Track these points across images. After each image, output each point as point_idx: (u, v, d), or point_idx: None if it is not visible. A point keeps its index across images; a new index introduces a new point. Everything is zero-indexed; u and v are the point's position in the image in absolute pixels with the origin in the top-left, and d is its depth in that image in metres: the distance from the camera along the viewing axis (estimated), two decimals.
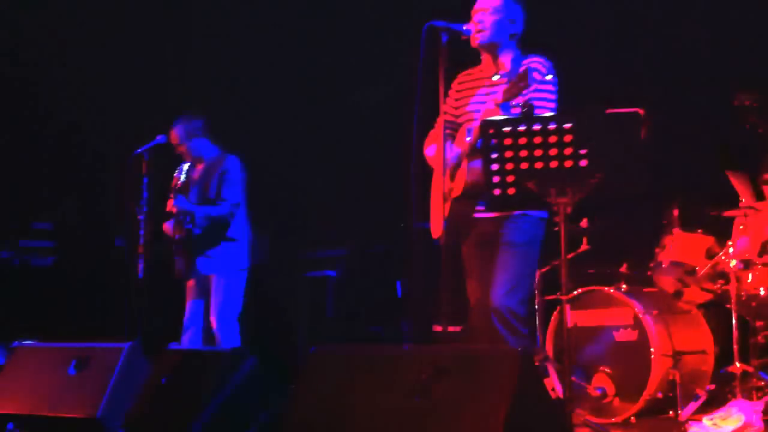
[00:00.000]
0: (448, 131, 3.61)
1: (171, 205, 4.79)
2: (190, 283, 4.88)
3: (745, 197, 4.34)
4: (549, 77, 3.46)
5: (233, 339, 4.76)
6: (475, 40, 3.60)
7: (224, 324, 4.75)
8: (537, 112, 3.28)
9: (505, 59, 3.61)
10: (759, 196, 4.38)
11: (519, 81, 3.25)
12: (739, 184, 4.37)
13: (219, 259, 4.81)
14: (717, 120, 4.95)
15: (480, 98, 3.63)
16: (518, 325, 3.44)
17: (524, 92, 3.30)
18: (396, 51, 5.43)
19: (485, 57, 3.68)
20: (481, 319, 3.57)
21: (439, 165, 3.53)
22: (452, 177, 3.59)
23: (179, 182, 4.87)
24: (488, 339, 3.51)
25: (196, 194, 4.90)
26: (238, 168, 4.90)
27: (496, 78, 3.59)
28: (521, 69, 3.37)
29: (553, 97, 3.49)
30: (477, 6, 3.64)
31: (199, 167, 4.98)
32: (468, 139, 3.50)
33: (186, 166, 4.93)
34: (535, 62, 3.52)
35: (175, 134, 4.91)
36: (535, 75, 3.37)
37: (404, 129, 3.59)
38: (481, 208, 3.56)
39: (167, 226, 4.90)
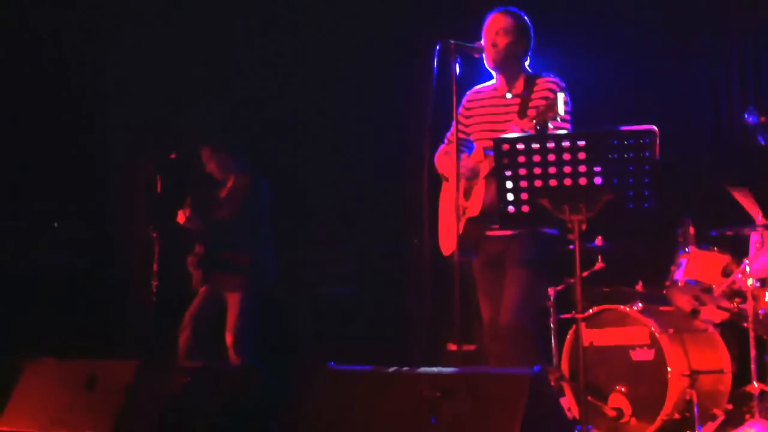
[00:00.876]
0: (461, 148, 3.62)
1: (182, 217, 4.79)
2: (203, 289, 4.88)
3: (754, 214, 4.31)
4: (564, 97, 3.47)
5: (248, 356, 4.76)
6: (489, 60, 3.64)
7: (240, 341, 4.75)
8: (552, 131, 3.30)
9: (519, 78, 3.64)
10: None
11: (547, 111, 3.29)
12: (744, 200, 4.34)
13: (240, 277, 4.82)
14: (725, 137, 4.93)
15: (493, 117, 3.66)
16: (532, 343, 3.43)
17: (549, 123, 3.38)
18: (407, 66, 5.45)
19: (499, 76, 3.70)
20: (494, 338, 3.56)
21: (452, 182, 3.52)
22: (467, 196, 3.59)
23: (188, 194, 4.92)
24: (502, 358, 3.49)
25: (208, 208, 4.92)
26: (258, 185, 4.95)
27: (509, 96, 3.63)
28: (541, 92, 3.48)
29: (568, 117, 3.52)
30: (489, 26, 3.66)
31: (228, 185, 5.01)
32: (486, 158, 3.51)
33: (196, 180, 4.99)
34: (550, 83, 3.54)
35: (207, 152, 4.95)
36: (549, 95, 3.44)
37: (415, 144, 3.60)
38: (495, 227, 3.55)
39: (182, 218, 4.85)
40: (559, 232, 3.53)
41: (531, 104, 3.54)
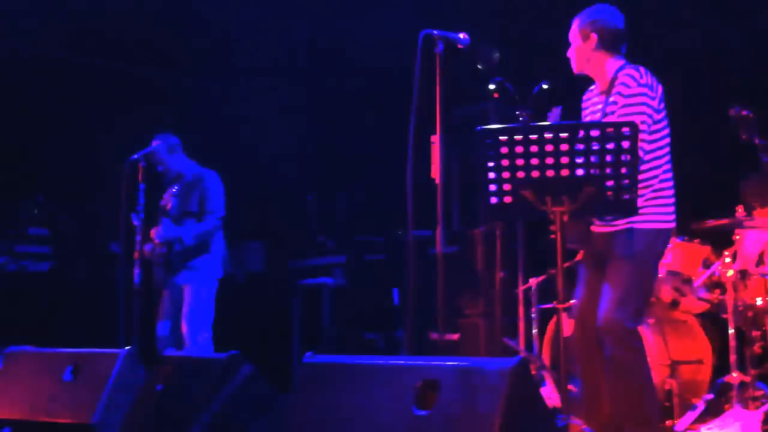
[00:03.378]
0: None
1: (154, 234, 4.89)
2: (166, 292, 4.97)
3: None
4: (637, 89, 3.39)
5: (206, 347, 4.84)
6: (574, 70, 3.64)
7: (196, 332, 4.83)
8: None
9: (608, 72, 3.56)
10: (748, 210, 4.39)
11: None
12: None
13: (195, 270, 4.91)
14: (712, 131, 4.96)
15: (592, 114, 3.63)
16: (631, 342, 3.32)
17: (614, 110, 3.38)
18: (394, 56, 5.45)
19: (593, 76, 3.66)
20: (583, 333, 3.48)
21: None
22: None
23: (168, 205, 4.97)
24: (588, 353, 3.43)
25: (177, 208, 5.00)
26: (218, 182, 5.03)
27: (604, 91, 3.59)
28: (616, 83, 3.43)
29: (642, 108, 3.38)
30: (569, 37, 3.65)
31: (178, 183, 5.08)
32: None
33: (174, 189, 5.03)
34: (624, 75, 3.47)
35: (155, 153, 4.98)
36: (623, 90, 3.39)
37: (401, 135, 3.60)
38: (599, 222, 3.48)
39: (146, 249, 4.95)
40: (660, 226, 3.43)
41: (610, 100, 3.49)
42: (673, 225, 3.49)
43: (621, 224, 3.40)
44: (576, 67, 3.62)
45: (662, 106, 3.45)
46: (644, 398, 3.36)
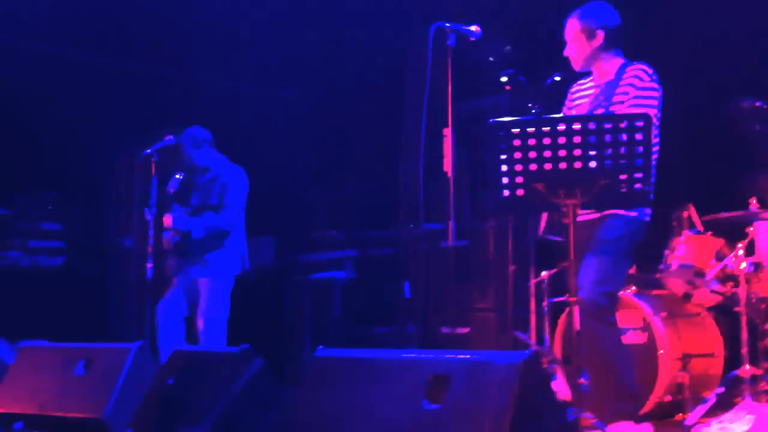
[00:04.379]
0: None
1: (167, 222, 4.87)
2: (176, 281, 4.95)
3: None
4: (650, 83, 3.47)
5: (220, 342, 4.84)
6: (574, 67, 3.69)
7: (212, 327, 4.83)
8: None
9: (610, 67, 3.63)
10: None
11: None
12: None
13: (213, 264, 4.91)
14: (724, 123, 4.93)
15: (585, 106, 3.67)
16: (603, 315, 3.42)
17: (623, 100, 3.42)
18: (404, 51, 5.44)
19: (593, 71, 3.71)
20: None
21: None
22: None
23: (172, 191, 4.96)
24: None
25: (197, 198, 5.01)
26: (242, 178, 5.03)
27: (600, 84, 3.66)
28: (625, 77, 3.48)
29: (653, 102, 3.47)
30: (564, 36, 3.68)
31: (204, 176, 5.08)
32: None
33: (178, 176, 5.02)
34: (636, 69, 3.54)
35: (181, 147, 4.99)
36: (636, 82, 3.45)
37: (413, 129, 3.59)
38: (582, 211, 3.53)
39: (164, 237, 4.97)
40: (642, 214, 3.53)
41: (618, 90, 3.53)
42: (649, 220, 3.57)
43: (606, 211, 3.45)
44: (579, 65, 3.67)
45: (662, 105, 3.52)
46: (618, 371, 3.39)
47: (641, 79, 3.47)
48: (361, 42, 6.35)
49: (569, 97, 3.80)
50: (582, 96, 3.73)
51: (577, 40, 3.62)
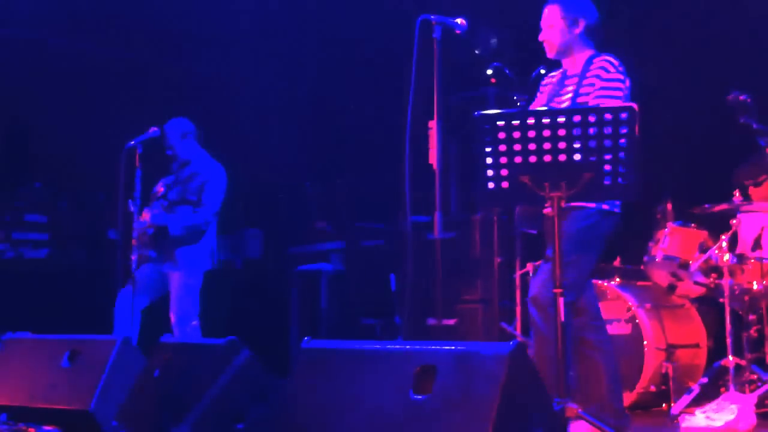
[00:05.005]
0: None
1: (145, 217, 4.87)
2: (138, 273, 4.92)
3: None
4: (616, 75, 3.48)
5: (194, 335, 4.86)
6: (547, 53, 3.68)
7: (185, 321, 4.86)
8: None
9: (580, 58, 3.64)
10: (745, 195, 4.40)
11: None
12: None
13: (184, 259, 4.91)
14: (710, 116, 4.96)
15: (554, 97, 3.66)
16: (552, 311, 3.37)
17: (589, 92, 3.42)
18: (390, 43, 5.43)
19: (564, 60, 3.72)
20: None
21: None
22: None
23: (159, 194, 4.97)
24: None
25: (177, 193, 4.99)
26: (222, 176, 5.02)
27: (567, 75, 3.65)
28: (592, 68, 3.48)
29: (619, 93, 3.48)
30: (541, 21, 3.68)
31: (184, 170, 5.07)
32: None
33: (170, 180, 5.03)
34: (602, 61, 3.55)
35: (167, 136, 4.98)
36: (602, 73, 3.46)
37: (399, 121, 3.59)
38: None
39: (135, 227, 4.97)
40: (612, 207, 3.52)
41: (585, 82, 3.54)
42: (619, 211, 3.55)
43: (572, 204, 3.40)
44: (554, 51, 3.66)
45: (629, 97, 3.52)
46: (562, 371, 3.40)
47: (607, 71, 3.48)
48: (354, 34, 6.34)
49: (541, 89, 3.80)
50: (548, 85, 3.73)
51: (557, 26, 3.62)
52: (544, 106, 3.64)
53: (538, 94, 3.80)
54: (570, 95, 3.57)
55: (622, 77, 3.51)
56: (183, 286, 4.89)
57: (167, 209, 4.97)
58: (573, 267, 3.42)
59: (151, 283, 4.92)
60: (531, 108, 3.73)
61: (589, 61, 3.57)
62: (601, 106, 3.38)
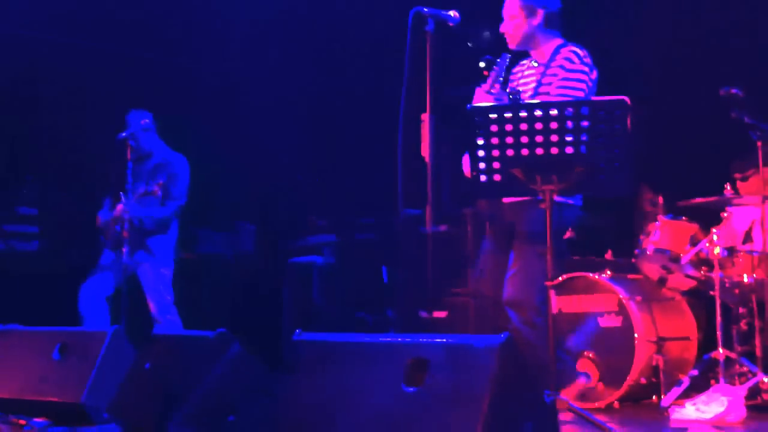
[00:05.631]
0: None
1: (120, 210, 4.84)
2: (105, 261, 4.98)
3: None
4: (580, 66, 3.45)
5: (175, 323, 4.91)
6: (509, 45, 3.65)
7: (164, 309, 4.92)
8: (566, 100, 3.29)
9: (546, 48, 3.61)
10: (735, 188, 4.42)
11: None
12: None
13: (156, 249, 4.96)
14: (702, 109, 4.97)
15: (521, 85, 3.65)
16: (532, 315, 3.39)
17: (551, 81, 3.41)
18: (383, 35, 5.42)
19: (532, 51, 3.70)
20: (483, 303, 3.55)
21: None
22: None
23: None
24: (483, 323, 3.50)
25: (142, 186, 4.94)
26: (185, 168, 5.03)
27: (535, 65, 3.63)
28: (558, 57, 3.46)
29: (582, 86, 3.45)
30: (503, 13, 3.65)
31: (147, 162, 5.05)
32: None
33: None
34: (567, 51, 3.52)
35: (131, 124, 4.96)
36: (566, 64, 3.43)
37: (392, 115, 3.58)
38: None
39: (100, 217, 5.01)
40: (574, 200, 3.51)
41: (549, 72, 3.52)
42: (580, 203, 3.53)
43: (529, 196, 3.34)
44: (514, 42, 3.63)
45: (595, 89, 3.49)
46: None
47: (571, 61, 3.45)
48: (347, 26, 6.32)
49: (512, 78, 3.76)
50: (526, 77, 3.68)
51: (516, 17, 3.59)
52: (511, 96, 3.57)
53: (511, 84, 3.75)
54: (533, 85, 3.56)
55: (587, 69, 3.47)
56: (156, 275, 4.94)
57: (136, 201, 4.94)
58: (542, 267, 3.43)
59: (119, 272, 4.90)
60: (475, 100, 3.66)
61: (556, 51, 3.54)
62: (565, 99, 3.35)
